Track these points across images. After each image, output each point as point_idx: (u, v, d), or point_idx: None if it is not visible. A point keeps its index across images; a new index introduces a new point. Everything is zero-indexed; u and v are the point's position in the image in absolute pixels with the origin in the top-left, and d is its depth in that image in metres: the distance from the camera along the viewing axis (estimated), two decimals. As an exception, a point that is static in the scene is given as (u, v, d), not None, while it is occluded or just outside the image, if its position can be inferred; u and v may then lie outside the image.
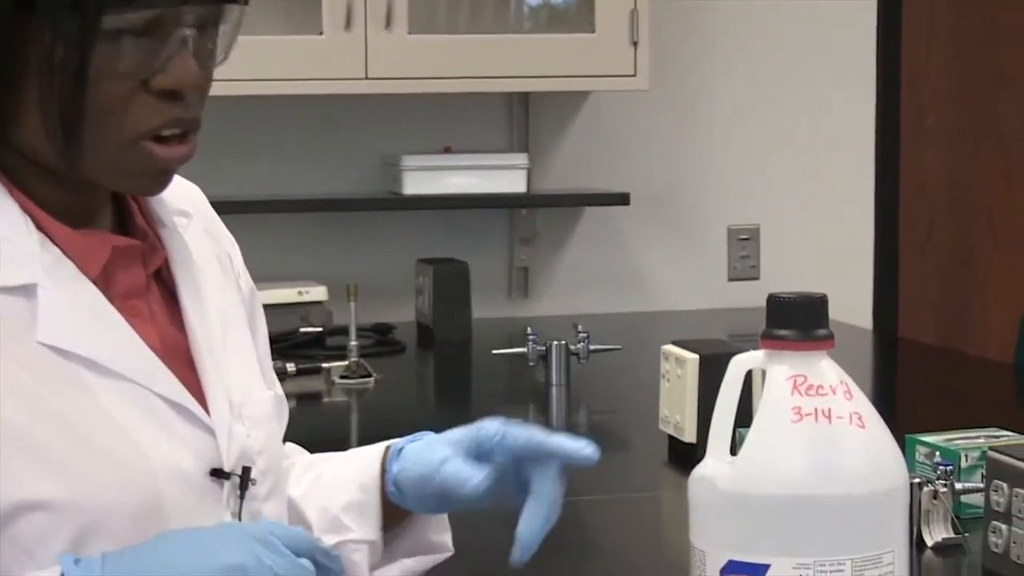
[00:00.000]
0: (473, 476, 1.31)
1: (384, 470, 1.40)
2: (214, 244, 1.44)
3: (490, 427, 1.34)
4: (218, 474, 1.28)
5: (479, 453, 1.34)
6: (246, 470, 1.30)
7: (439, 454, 1.34)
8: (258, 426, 1.34)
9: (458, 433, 1.36)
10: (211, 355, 1.32)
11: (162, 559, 1.15)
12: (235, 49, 1.27)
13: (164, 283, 1.34)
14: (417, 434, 1.41)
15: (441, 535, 1.42)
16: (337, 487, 1.40)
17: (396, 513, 1.41)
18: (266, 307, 3.41)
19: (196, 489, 1.26)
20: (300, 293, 3.49)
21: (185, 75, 1.22)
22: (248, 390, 1.35)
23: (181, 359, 1.31)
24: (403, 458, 1.38)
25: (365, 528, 1.38)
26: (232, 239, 1.48)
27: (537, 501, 1.32)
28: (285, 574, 1.15)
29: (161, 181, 1.28)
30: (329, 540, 1.35)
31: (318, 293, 3.50)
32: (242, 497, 1.29)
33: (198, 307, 1.33)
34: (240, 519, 1.29)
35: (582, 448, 1.32)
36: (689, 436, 2.31)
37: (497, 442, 1.33)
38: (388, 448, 1.42)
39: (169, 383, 1.27)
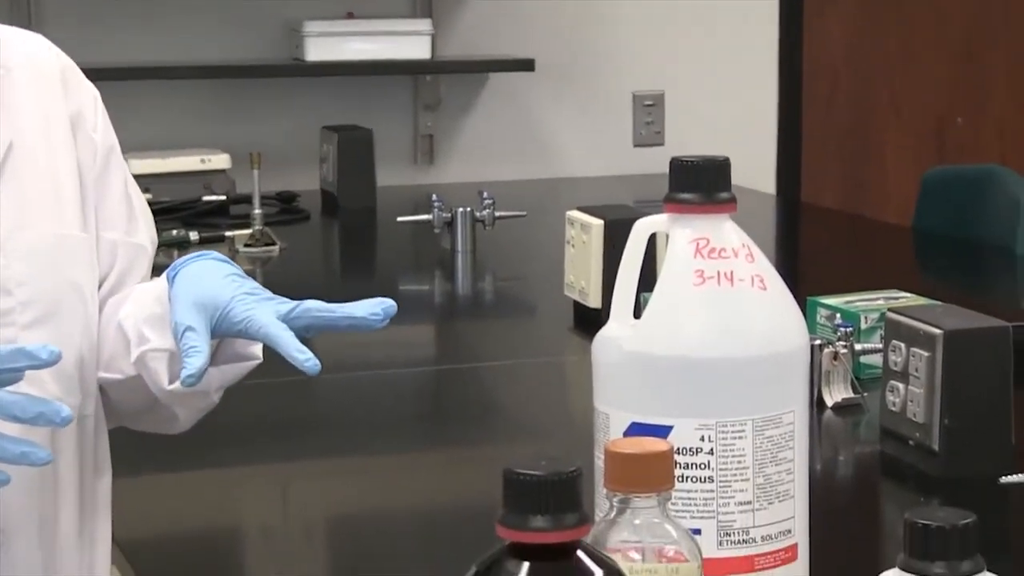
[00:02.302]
0: (193, 366, 1.31)
1: None
2: (51, 95, 1.48)
3: (236, 311, 1.35)
4: None
5: (219, 327, 1.36)
6: None
7: (182, 315, 1.35)
8: (22, 259, 1.41)
9: (207, 298, 1.36)
10: None
11: None
12: None
13: None
14: (200, 254, 1.43)
15: (249, 346, 1.42)
16: (141, 302, 1.43)
17: None
18: (168, 175, 3.46)
19: None
20: (203, 161, 3.46)
21: None
22: (23, 224, 1.42)
23: None
24: (173, 288, 1.40)
25: (163, 338, 1.39)
26: (94, 93, 1.52)
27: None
28: None
29: None
30: (136, 351, 1.40)
31: (221, 161, 3.47)
32: None
33: None
34: None
35: (305, 360, 1.31)
36: (594, 301, 2.32)
37: (238, 332, 1.35)
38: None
39: None
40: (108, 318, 1.45)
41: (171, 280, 1.40)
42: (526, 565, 0.91)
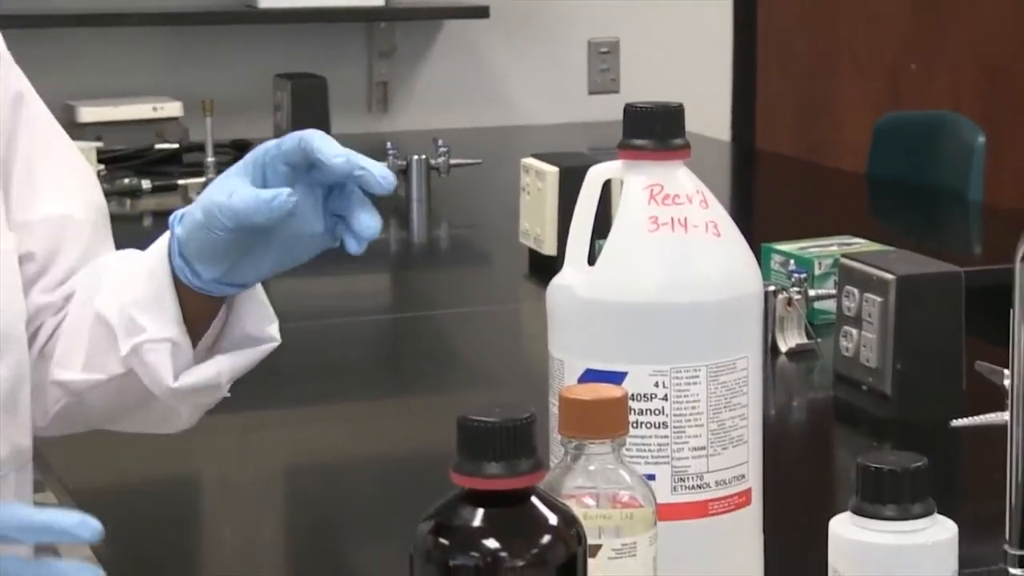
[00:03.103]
0: (276, 193, 1.11)
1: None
2: None
3: (266, 143, 1.18)
4: None
5: (266, 175, 1.16)
6: None
7: (222, 191, 1.15)
8: None
9: (235, 166, 1.19)
10: None
11: None
12: None
13: None
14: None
15: (263, 327, 1.22)
16: (128, 281, 1.20)
17: (205, 304, 1.20)
18: (120, 123, 3.43)
19: None
20: (155, 109, 3.44)
21: None
22: None
23: None
24: (183, 218, 1.19)
25: (161, 323, 1.18)
26: None
27: (353, 208, 1.15)
28: None
29: None
30: (127, 343, 1.19)
31: (173, 109, 3.45)
32: None
33: None
34: None
35: (340, 162, 1.11)
36: (549, 249, 2.32)
37: (273, 156, 1.16)
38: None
39: None
40: (80, 311, 1.23)
41: (176, 224, 1.19)
42: (481, 511, 0.92)
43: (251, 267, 1.18)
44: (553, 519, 0.92)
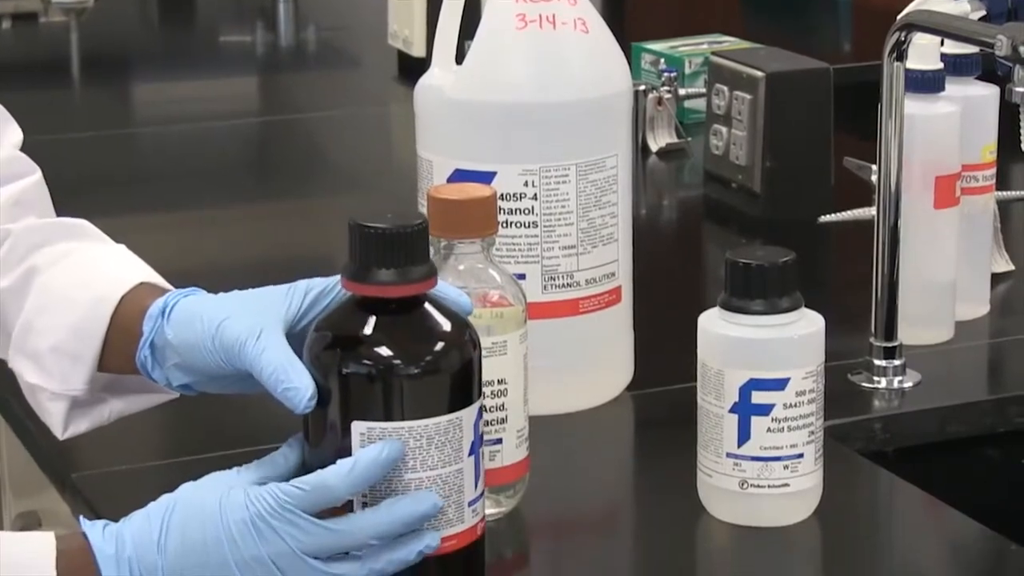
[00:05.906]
0: (306, 388, 0.90)
1: (117, 316, 1.04)
2: None
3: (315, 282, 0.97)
4: None
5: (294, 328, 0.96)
6: None
7: (244, 326, 0.94)
8: None
9: (264, 300, 0.97)
10: None
11: None
12: None
13: None
14: (188, 289, 1.04)
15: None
16: (53, 315, 1.06)
17: (127, 361, 1.04)
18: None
19: None
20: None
21: None
22: None
23: None
24: (177, 319, 1.00)
25: (72, 379, 1.05)
26: None
27: None
28: None
29: None
30: (23, 367, 1.07)
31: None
32: None
33: None
34: None
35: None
36: (418, 51, 2.29)
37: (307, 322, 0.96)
38: (133, 290, 1.06)
39: None
40: None
41: (165, 314, 1.00)
42: (373, 319, 0.90)
43: (224, 387, 1.01)
44: (447, 325, 0.91)
